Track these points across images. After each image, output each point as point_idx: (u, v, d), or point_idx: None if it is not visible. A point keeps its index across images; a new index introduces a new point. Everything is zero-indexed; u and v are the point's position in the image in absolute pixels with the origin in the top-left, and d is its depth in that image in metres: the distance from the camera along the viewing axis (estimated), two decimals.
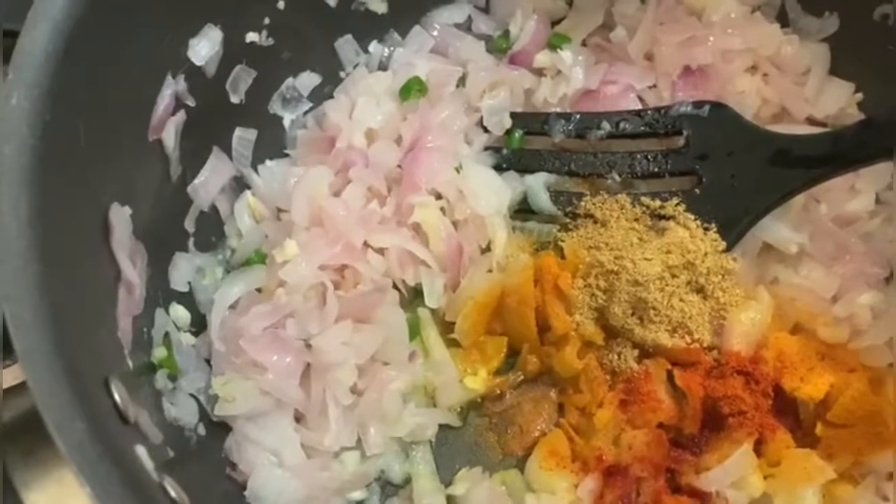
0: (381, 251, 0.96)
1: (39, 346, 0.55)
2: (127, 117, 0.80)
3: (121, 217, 0.76)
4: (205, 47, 0.89)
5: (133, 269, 0.78)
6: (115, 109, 0.77)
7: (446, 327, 0.97)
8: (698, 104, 1.00)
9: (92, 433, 0.53)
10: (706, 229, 0.94)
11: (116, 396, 0.62)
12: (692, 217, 0.95)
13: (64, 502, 0.60)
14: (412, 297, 0.98)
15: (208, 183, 0.95)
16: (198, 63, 0.88)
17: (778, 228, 0.95)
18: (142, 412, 0.67)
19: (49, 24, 0.68)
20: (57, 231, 0.64)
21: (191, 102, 0.89)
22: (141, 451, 0.61)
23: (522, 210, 1.02)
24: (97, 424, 0.55)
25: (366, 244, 0.95)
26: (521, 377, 0.95)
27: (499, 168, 1.04)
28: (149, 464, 0.62)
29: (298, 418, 0.90)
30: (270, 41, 0.98)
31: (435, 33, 1.11)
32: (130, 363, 0.74)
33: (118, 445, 0.58)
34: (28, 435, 0.62)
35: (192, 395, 0.86)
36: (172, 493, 0.62)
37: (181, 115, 0.88)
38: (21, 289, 0.56)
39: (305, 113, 1.07)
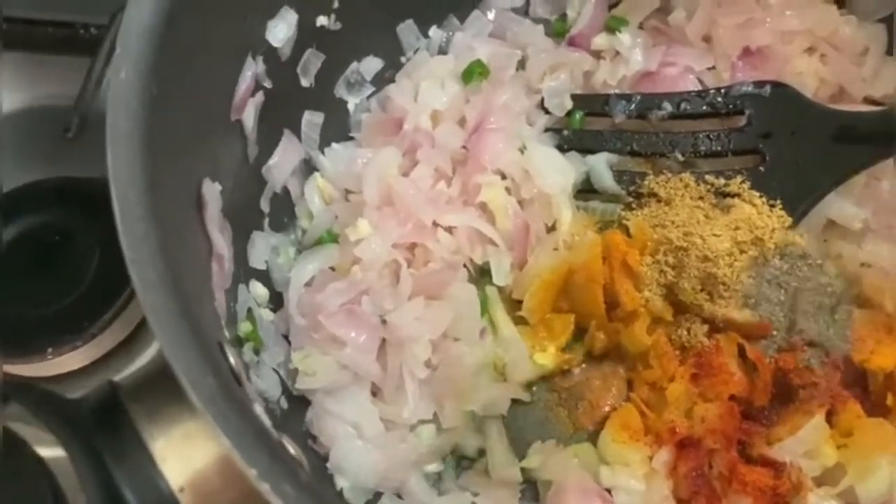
0: (449, 230, 0.98)
1: (166, 305, 0.56)
2: (214, 96, 0.82)
3: (212, 192, 0.78)
4: (282, 29, 0.90)
5: (223, 244, 0.79)
6: (205, 87, 0.79)
7: (513, 305, 0.98)
8: (759, 84, 1.01)
9: (221, 388, 0.55)
10: (772, 206, 0.96)
11: (231, 359, 0.64)
12: (757, 194, 0.96)
13: (190, 454, 0.62)
14: (479, 275, 0.99)
15: (280, 165, 0.97)
16: (275, 45, 0.90)
17: (841, 205, 0.97)
18: (243, 373, 0.69)
19: (151, 1, 0.69)
20: (166, 202, 0.65)
21: (268, 84, 0.91)
22: (259, 408, 0.63)
23: (585, 190, 1.04)
24: (223, 381, 0.56)
25: (435, 223, 0.97)
26: (590, 353, 0.96)
27: (560, 149, 1.05)
28: (267, 421, 0.64)
29: (375, 392, 0.91)
30: (338, 25, 1.00)
31: (493, 17, 1.13)
32: (226, 333, 0.76)
33: (243, 401, 0.59)
34: (148, 394, 0.64)
35: (273, 370, 0.88)
36: (291, 451, 0.64)
37: (259, 97, 0.90)
38: (144, 253, 0.58)
39: (369, 97, 1.08)
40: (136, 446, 0.62)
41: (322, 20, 0.97)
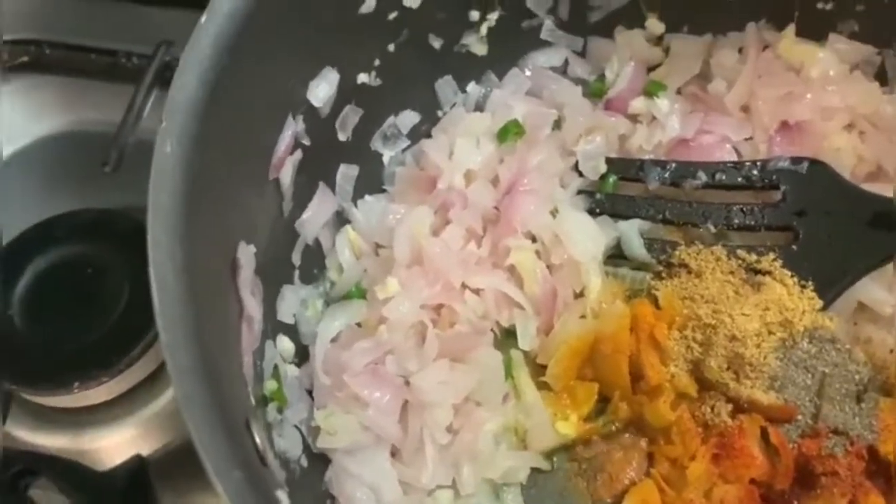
0: (477, 291, 0.98)
1: (198, 393, 0.57)
2: (254, 158, 0.83)
3: (247, 255, 0.79)
4: (323, 89, 0.91)
5: (254, 304, 0.80)
6: (245, 151, 0.80)
7: (538, 370, 0.98)
8: (796, 160, 1.01)
9: (247, 480, 0.55)
10: (803, 287, 0.95)
11: (257, 438, 0.65)
12: (789, 273, 0.96)
13: None
14: (504, 337, 0.99)
15: (314, 217, 0.98)
16: (316, 104, 0.91)
17: (873, 289, 0.96)
18: (269, 450, 0.70)
19: (197, 73, 0.71)
20: (203, 274, 0.66)
21: (306, 142, 0.92)
22: (282, 495, 0.63)
23: (615, 256, 1.04)
24: (249, 470, 0.57)
25: (463, 284, 0.97)
26: (612, 424, 0.96)
27: (592, 212, 1.05)
28: None
29: (394, 453, 0.92)
30: (378, 81, 1.00)
31: (531, 75, 1.13)
32: (253, 400, 0.76)
33: (267, 490, 0.60)
34: (177, 471, 0.64)
35: (295, 427, 0.88)
36: None
37: (298, 154, 0.91)
38: (179, 336, 0.59)
39: (404, 150, 1.09)
40: None
41: (363, 77, 0.98)
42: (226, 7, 0.73)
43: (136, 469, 0.66)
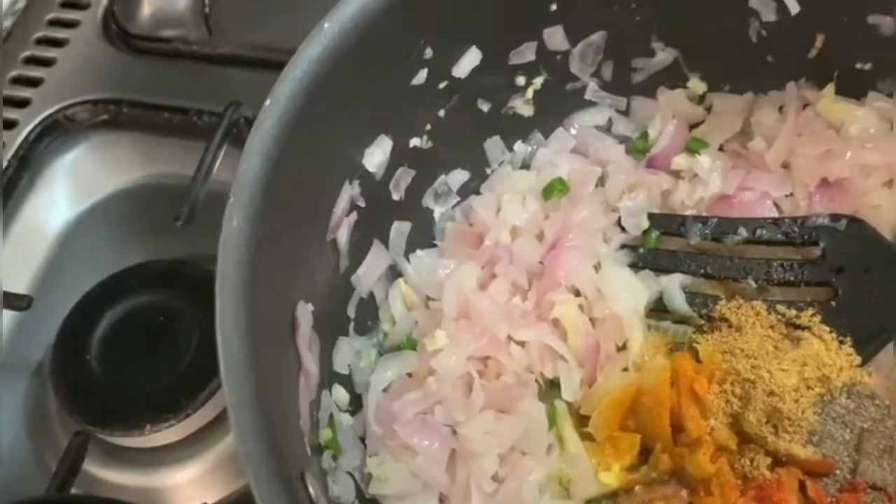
0: (522, 343, 1.02)
1: (258, 449, 0.63)
2: (312, 222, 0.89)
3: (305, 313, 0.85)
4: (378, 155, 0.98)
5: (311, 359, 0.86)
6: (305, 217, 0.86)
7: (581, 420, 1.01)
8: (835, 217, 1.03)
9: None
10: (841, 342, 0.97)
11: (311, 490, 0.71)
12: (827, 329, 0.98)
13: None
14: (549, 388, 1.03)
15: (369, 272, 1.04)
16: (371, 170, 0.97)
17: None
18: (322, 499, 0.75)
19: (261, 152, 0.77)
20: (263, 335, 0.72)
21: (361, 203, 0.98)
22: None
23: (657, 309, 1.07)
24: None
25: (508, 337, 1.02)
26: (654, 475, 0.99)
27: (634, 266, 1.09)
28: None
29: (442, 500, 0.96)
30: (430, 144, 1.06)
31: (576, 134, 1.18)
32: (308, 449, 0.82)
33: None
34: None
35: (349, 473, 0.93)
36: None
37: (353, 216, 0.97)
38: (243, 397, 0.65)
39: (454, 206, 1.14)
40: None
41: (415, 141, 1.04)
42: (288, 90, 0.79)
43: None
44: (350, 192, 0.94)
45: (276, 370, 0.76)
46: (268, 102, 0.78)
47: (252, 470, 0.61)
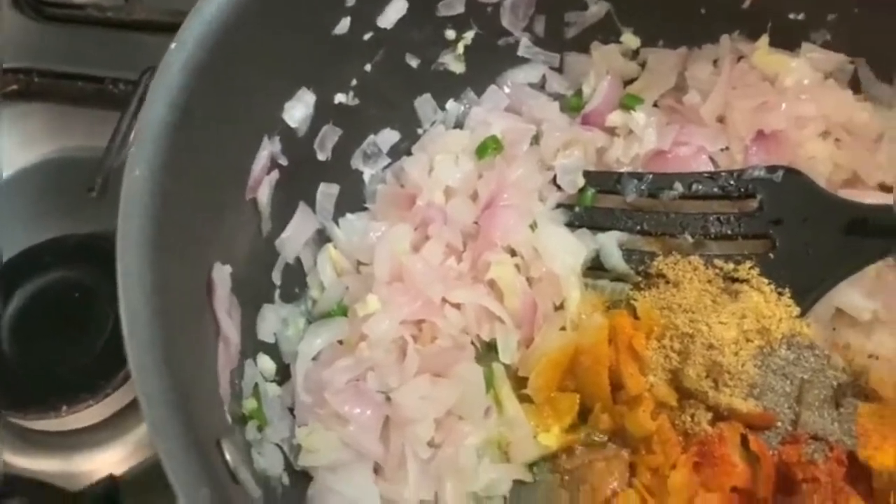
0: (457, 306, 0.99)
1: (168, 417, 0.58)
2: (229, 179, 0.84)
3: (222, 275, 0.80)
4: (299, 110, 0.93)
5: (231, 324, 0.81)
6: (220, 173, 0.81)
7: (519, 382, 0.98)
8: (772, 169, 1.02)
9: (215, 498, 0.56)
10: (780, 294, 0.96)
11: (228, 456, 0.66)
12: (766, 281, 0.96)
13: None
14: (486, 351, 1.00)
15: (294, 236, 0.99)
16: (292, 125, 0.92)
17: (851, 295, 0.96)
18: (242, 468, 0.70)
19: (167, 99, 0.72)
20: (174, 296, 0.67)
21: (283, 162, 0.93)
22: None
23: (594, 268, 1.04)
24: (219, 490, 0.58)
25: (443, 299, 0.98)
26: (594, 435, 0.96)
27: (571, 225, 1.06)
28: None
29: (377, 470, 0.92)
30: (356, 101, 1.02)
31: (509, 92, 1.15)
32: (229, 418, 0.77)
33: None
34: (148, 492, 0.65)
35: (276, 445, 0.89)
36: None
37: (275, 174, 0.92)
38: (149, 361, 0.60)
39: (384, 168, 1.10)
40: None
41: (340, 97, 1.00)
42: (195, 33, 0.74)
43: (107, 489, 0.66)
44: (270, 148, 0.89)
45: (189, 335, 0.71)
46: (173, 46, 0.72)
47: (159, 436, 0.56)
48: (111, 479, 0.68)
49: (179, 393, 0.60)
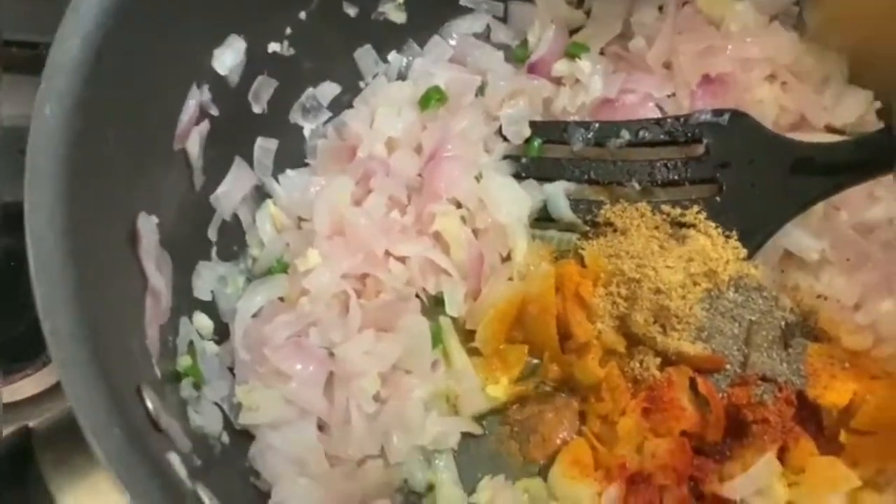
0: (402, 260, 0.96)
1: (77, 357, 0.55)
2: (153, 126, 0.80)
3: (148, 226, 0.77)
4: (229, 57, 0.89)
5: (160, 278, 0.78)
6: (143, 118, 0.77)
7: (467, 335, 0.97)
8: (718, 112, 1.00)
9: (128, 440, 0.53)
10: (727, 237, 0.95)
11: (149, 403, 0.63)
12: (713, 225, 0.95)
13: None
14: (433, 305, 0.98)
15: (231, 192, 0.96)
16: (222, 73, 0.89)
17: (798, 236, 0.95)
18: (171, 421, 0.67)
19: (80, 34, 0.68)
20: (90, 241, 0.64)
21: (214, 112, 0.89)
22: (174, 458, 0.61)
23: (542, 218, 1.02)
24: (133, 431, 0.55)
25: (387, 253, 0.96)
26: (543, 385, 0.95)
27: (518, 176, 1.04)
28: (182, 471, 0.62)
29: (321, 427, 0.90)
30: (292, 51, 0.98)
31: (453, 43, 1.12)
32: (158, 372, 0.74)
33: (153, 452, 0.58)
34: (62, 442, 0.62)
35: (215, 404, 0.86)
36: (206, 501, 0.63)
37: (205, 125, 0.88)
38: (58, 301, 0.57)
39: (325, 122, 1.07)
40: (42, 499, 0.60)
41: (274, 46, 0.96)
42: None
43: (21, 440, 0.63)
44: (199, 97, 0.86)
45: (110, 280, 0.68)
46: None
47: (68, 378, 0.53)
48: (26, 431, 0.65)
49: (92, 333, 0.57)
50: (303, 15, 0.97)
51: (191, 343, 0.85)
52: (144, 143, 0.78)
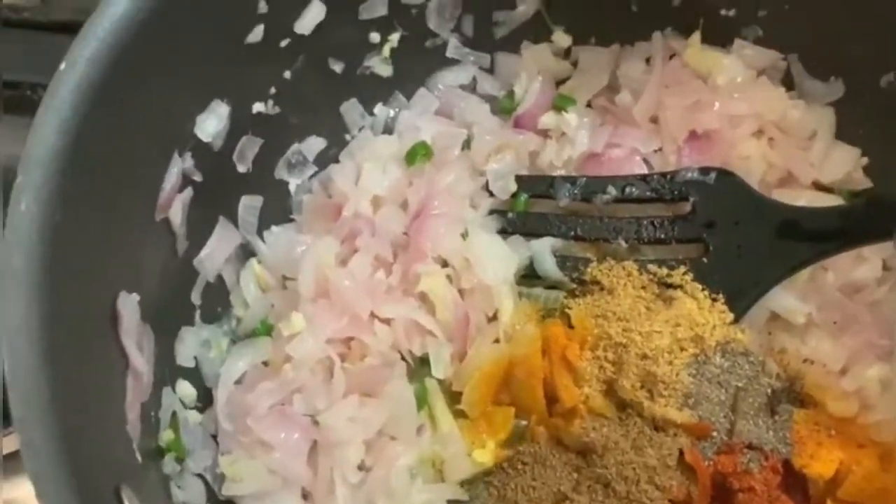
0: (387, 321, 0.96)
1: (51, 469, 0.54)
2: (134, 201, 0.80)
3: (129, 305, 0.76)
4: (212, 123, 0.88)
5: (141, 357, 0.77)
6: (123, 195, 0.77)
7: (454, 397, 0.96)
8: (704, 171, 1.00)
9: None
10: (714, 300, 0.94)
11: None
12: (700, 287, 0.95)
13: None
14: (419, 366, 0.97)
15: (215, 253, 0.95)
16: (205, 140, 0.88)
17: (785, 298, 0.95)
18: None
19: (56, 121, 0.67)
20: (66, 335, 0.63)
21: (197, 178, 0.88)
22: None
23: (528, 275, 1.02)
24: None
25: (372, 315, 0.95)
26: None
27: (504, 232, 1.03)
28: None
29: (306, 496, 0.89)
30: (277, 109, 0.98)
31: (440, 94, 1.11)
32: (139, 456, 0.73)
33: None
34: None
35: (199, 475, 0.85)
36: None
37: (188, 192, 0.87)
38: (33, 411, 0.56)
39: (311, 177, 1.06)
40: None
41: (259, 106, 0.96)
42: (87, 52, 0.69)
43: None
44: (181, 165, 0.85)
45: (88, 373, 0.67)
46: (62, 67, 0.68)
47: (42, 491, 0.52)
48: None
49: (67, 444, 0.56)
50: (287, 74, 0.96)
51: (173, 414, 0.85)
52: (125, 220, 0.77)
